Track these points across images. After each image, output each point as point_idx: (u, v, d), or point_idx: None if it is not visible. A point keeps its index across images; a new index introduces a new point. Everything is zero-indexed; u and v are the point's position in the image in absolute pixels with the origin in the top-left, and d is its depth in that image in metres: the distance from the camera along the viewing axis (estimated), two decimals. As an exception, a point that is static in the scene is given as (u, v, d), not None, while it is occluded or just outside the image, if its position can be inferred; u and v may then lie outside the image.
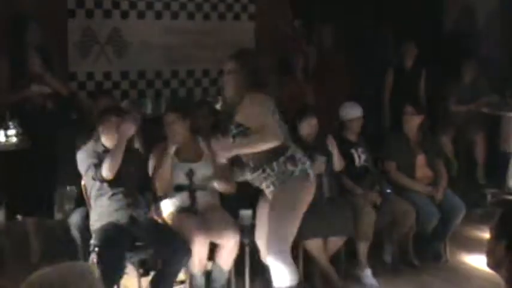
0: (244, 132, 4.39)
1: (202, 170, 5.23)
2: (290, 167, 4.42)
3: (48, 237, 6.11)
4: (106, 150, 4.95)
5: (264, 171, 4.45)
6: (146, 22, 7.69)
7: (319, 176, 5.41)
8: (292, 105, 6.44)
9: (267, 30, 8.17)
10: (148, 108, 7.42)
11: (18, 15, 6.24)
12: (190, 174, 5.20)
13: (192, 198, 5.19)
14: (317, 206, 4.87)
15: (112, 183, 4.91)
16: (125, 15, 7.56)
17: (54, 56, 6.34)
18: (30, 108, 5.91)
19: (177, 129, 5.17)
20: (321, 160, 5.56)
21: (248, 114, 4.39)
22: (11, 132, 5.35)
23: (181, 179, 5.19)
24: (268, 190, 4.51)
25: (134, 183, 5.10)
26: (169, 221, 5.10)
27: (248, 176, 4.60)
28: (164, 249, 4.76)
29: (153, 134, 5.80)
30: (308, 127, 5.67)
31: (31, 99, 5.92)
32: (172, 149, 5.09)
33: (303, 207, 4.52)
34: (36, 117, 5.89)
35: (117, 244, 4.68)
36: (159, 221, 5.17)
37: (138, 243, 4.89)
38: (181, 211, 5.12)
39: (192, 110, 5.83)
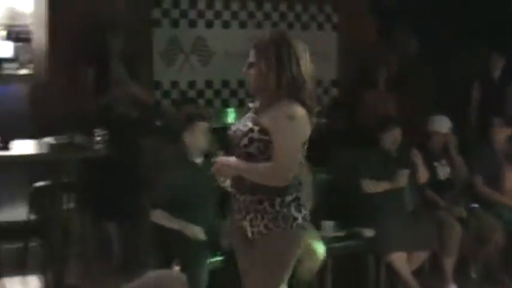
0: (266, 145, 3.35)
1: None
2: (294, 212, 3.42)
3: (129, 243, 6.21)
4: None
5: (260, 202, 3.40)
6: (231, 32, 7.73)
7: (401, 189, 5.33)
8: (374, 116, 6.37)
9: (350, 40, 8.11)
10: (231, 118, 7.45)
11: (103, 24, 6.36)
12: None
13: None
14: (400, 219, 4.80)
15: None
16: (209, 24, 7.61)
17: (139, 65, 6.44)
18: (115, 116, 6.02)
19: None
20: (403, 173, 5.48)
21: (276, 126, 3.32)
22: (97, 139, 5.44)
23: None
24: (255, 229, 3.44)
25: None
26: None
27: (230, 189, 3.59)
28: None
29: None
30: (391, 138, 5.60)
31: (116, 107, 6.03)
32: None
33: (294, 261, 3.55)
34: (121, 125, 5.99)
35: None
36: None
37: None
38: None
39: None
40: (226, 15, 7.71)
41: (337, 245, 5.20)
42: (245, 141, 3.38)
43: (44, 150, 5.48)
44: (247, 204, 3.44)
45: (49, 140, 5.57)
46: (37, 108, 6.73)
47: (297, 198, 3.44)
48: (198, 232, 4.86)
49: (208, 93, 7.66)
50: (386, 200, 5.45)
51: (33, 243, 6.15)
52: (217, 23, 7.67)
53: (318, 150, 6.62)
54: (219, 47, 7.66)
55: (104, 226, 6.26)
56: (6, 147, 5.20)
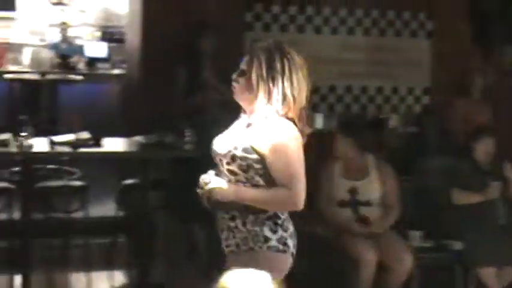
0: (249, 164, 3.07)
1: (367, 188, 5.15)
2: (267, 232, 3.09)
3: (214, 244, 6.24)
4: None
5: (233, 219, 3.14)
6: (322, 37, 7.69)
7: (493, 202, 5.19)
8: (467, 126, 6.23)
9: (444, 47, 7.95)
10: (319, 123, 7.41)
11: (196, 25, 6.42)
12: (353, 191, 5.14)
13: (356, 214, 5.12)
14: (491, 233, 4.66)
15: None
16: (301, 29, 7.60)
17: (229, 67, 6.47)
18: (205, 117, 6.07)
19: (340, 146, 5.15)
20: (495, 185, 5.34)
21: (276, 154, 3.03)
22: (186, 139, 5.49)
23: (344, 195, 5.14)
24: (228, 249, 3.21)
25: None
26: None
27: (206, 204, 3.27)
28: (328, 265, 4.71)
29: (323, 149, 5.79)
30: (485, 149, 5.46)
31: (206, 108, 6.08)
32: (334, 165, 5.07)
33: None
34: (209, 126, 6.02)
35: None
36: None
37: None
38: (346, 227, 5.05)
39: (361, 127, 5.77)
40: (317, 21, 7.67)
41: (424, 255, 5.11)
42: (227, 158, 3.12)
43: (134, 148, 5.57)
44: (221, 220, 3.19)
45: (139, 138, 5.65)
46: (128, 107, 6.85)
47: (276, 217, 3.11)
48: None
49: (298, 98, 7.63)
50: (477, 212, 5.31)
51: (120, 240, 6.28)
52: (309, 28, 7.64)
53: (405, 158, 6.56)
54: (309, 52, 7.57)
55: (189, 226, 6.31)
56: (98, 144, 5.31)
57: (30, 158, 5.40)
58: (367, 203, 5.12)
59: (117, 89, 7.16)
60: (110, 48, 7.43)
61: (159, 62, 6.64)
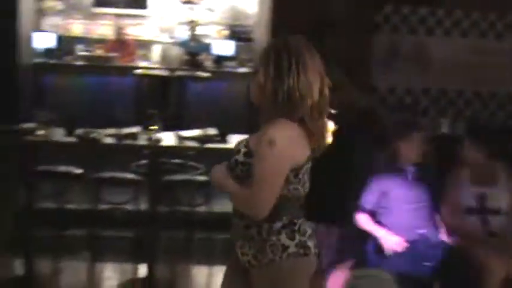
0: (249, 169, 2.97)
1: (496, 196, 5.00)
2: (284, 240, 3.00)
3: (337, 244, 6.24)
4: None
5: (247, 228, 3.04)
6: (452, 40, 7.53)
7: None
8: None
9: None
10: (445, 128, 7.27)
11: (324, 24, 6.41)
12: (482, 198, 5.00)
13: (484, 222, 4.98)
14: None
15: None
16: (430, 31, 7.47)
17: (356, 68, 6.43)
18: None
19: (469, 152, 5.03)
20: None
21: (257, 153, 2.95)
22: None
23: (472, 202, 5.01)
24: (245, 258, 3.09)
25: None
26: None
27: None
28: (455, 274, 4.60)
29: (449, 154, 5.67)
30: None
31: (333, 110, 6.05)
32: (462, 171, 4.97)
33: None
34: (337, 128, 6.00)
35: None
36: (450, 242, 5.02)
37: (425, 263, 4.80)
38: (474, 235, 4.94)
39: (492, 133, 5.61)
40: (448, 23, 7.52)
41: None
42: (232, 162, 3.06)
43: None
44: (237, 228, 3.09)
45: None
46: (254, 105, 6.92)
47: (291, 224, 3.02)
48: (396, 243, 4.79)
49: (425, 101, 7.52)
50: None
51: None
52: (439, 30, 7.51)
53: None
54: (438, 55, 7.49)
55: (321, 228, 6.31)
56: (223, 140, 5.38)
57: (158, 152, 5.54)
58: (496, 211, 4.98)
59: (243, 87, 7.23)
60: (237, 46, 7.51)
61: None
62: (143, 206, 5.70)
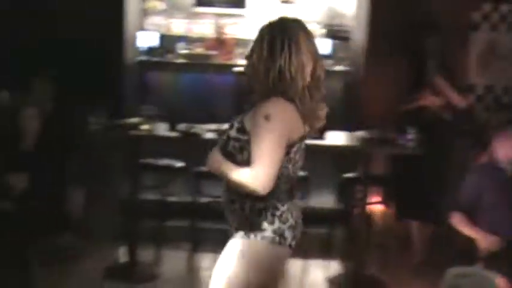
0: (242, 145, 2.98)
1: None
2: (263, 222, 2.99)
3: (430, 241, 6.27)
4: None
5: (233, 202, 3.07)
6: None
7: None
8: None
9: None
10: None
11: (422, 24, 6.43)
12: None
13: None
14: None
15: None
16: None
17: (454, 67, 6.44)
18: (427, 116, 6.08)
19: None
20: None
21: (253, 129, 2.94)
22: (408, 137, 5.53)
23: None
24: (232, 230, 3.12)
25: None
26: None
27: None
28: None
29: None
30: None
31: (428, 107, 6.09)
32: None
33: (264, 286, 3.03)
34: (432, 126, 6.03)
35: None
36: None
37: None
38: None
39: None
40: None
41: None
42: (224, 138, 3.06)
43: (355, 143, 5.70)
44: (224, 202, 3.13)
45: (362, 133, 5.77)
46: (351, 103, 7.02)
47: (274, 208, 3.00)
48: (492, 243, 4.76)
49: (524, 102, 7.43)
50: None
51: (338, 231, 6.45)
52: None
53: None
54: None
55: (406, 222, 6.35)
56: (321, 137, 5.49)
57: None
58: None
59: (339, 85, 7.32)
60: (334, 45, 7.58)
61: (382, 60, 6.74)
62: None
